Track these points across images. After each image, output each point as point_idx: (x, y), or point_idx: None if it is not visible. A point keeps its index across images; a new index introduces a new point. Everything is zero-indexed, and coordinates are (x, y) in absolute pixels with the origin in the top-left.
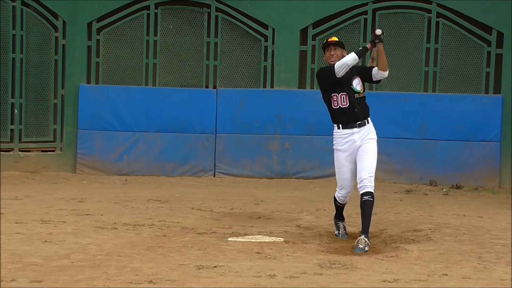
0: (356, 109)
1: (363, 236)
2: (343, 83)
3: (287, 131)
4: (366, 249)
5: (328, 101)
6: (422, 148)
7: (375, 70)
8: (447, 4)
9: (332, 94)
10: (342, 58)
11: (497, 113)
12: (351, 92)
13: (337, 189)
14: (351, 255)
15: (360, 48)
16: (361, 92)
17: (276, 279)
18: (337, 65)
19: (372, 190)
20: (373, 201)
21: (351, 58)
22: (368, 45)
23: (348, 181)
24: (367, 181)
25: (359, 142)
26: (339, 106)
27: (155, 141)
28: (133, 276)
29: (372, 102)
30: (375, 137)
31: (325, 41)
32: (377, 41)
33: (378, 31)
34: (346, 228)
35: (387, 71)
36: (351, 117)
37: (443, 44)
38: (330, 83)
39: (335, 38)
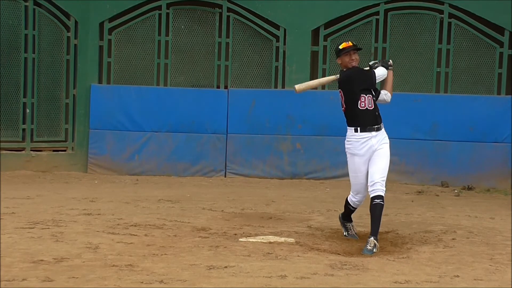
0: (377, 113)
1: (372, 237)
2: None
3: (298, 132)
4: (374, 250)
5: (353, 101)
6: (433, 149)
7: (384, 91)
8: (459, 5)
9: (361, 95)
10: (358, 62)
11: (509, 114)
12: (373, 96)
13: (351, 193)
14: (362, 256)
15: (382, 64)
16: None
17: (287, 279)
18: (378, 74)
19: (383, 194)
20: (383, 205)
21: (385, 72)
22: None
23: (364, 185)
24: (379, 185)
25: (376, 146)
26: (366, 108)
27: (166, 141)
28: (144, 276)
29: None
30: (388, 141)
31: (341, 46)
32: (390, 68)
33: (391, 62)
34: (355, 228)
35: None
36: (373, 120)
37: (455, 45)
38: (363, 86)
39: (351, 43)
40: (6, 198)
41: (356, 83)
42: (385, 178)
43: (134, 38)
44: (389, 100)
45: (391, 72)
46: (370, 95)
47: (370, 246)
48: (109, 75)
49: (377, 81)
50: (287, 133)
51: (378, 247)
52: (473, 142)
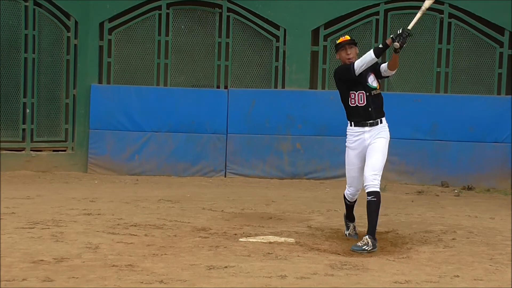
0: (370, 108)
1: (367, 236)
2: (361, 81)
3: (298, 132)
4: (365, 248)
5: (345, 98)
6: (433, 149)
7: (383, 66)
8: (459, 5)
9: (350, 92)
10: (356, 56)
11: (509, 114)
12: (367, 90)
13: (346, 186)
14: (362, 256)
15: (380, 45)
16: (378, 88)
17: (287, 279)
18: (357, 63)
19: (376, 189)
20: (377, 201)
21: (370, 57)
22: (388, 41)
23: (356, 179)
24: (369, 180)
25: (369, 141)
26: (356, 104)
27: (166, 141)
28: (144, 276)
29: (384, 103)
30: (387, 136)
31: (338, 41)
32: (396, 42)
33: (397, 45)
34: (356, 229)
35: (395, 71)
36: (365, 116)
37: (455, 45)
38: (349, 81)
39: (347, 37)
40: (6, 198)
41: (340, 82)
42: (377, 172)
43: (134, 38)
44: (392, 73)
45: (395, 55)
46: (363, 91)
47: (360, 243)
48: (109, 75)
49: (360, 70)
50: (287, 133)
51: (373, 244)
52: (473, 142)
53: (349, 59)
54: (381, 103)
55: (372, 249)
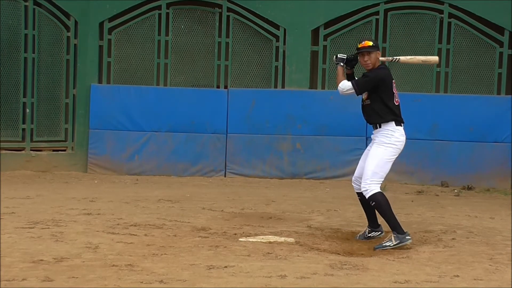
0: (372, 109)
1: (391, 232)
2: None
3: (298, 132)
4: (387, 244)
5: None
6: (433, 149)
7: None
8: (459, 5)
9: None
10: (376, 61)
11: (509, 114)
12: (370, 91)
13: None
14: (362, 256)
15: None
16: (365, 99)
17: (287, 279)
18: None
19: (369, 194)
20: (376, 203)
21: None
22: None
23: (358, 165)
24: (365, 185)
25: (372, 144)
26: (365, 103)
27: (166, 141)
28: (144, 276)
29: None
30: (383, 144)
31: (359, 45)
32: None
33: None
34: (368, 232)
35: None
36: (368, 117)
37: (455, 44)
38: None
39: (368, 43)
40: (6, 198)
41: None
42: (368, 177)
43: (134, 38)
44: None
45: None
46: (367, 92)
47: (384, 242)
48: (109, 75)
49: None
50: (287, 133)
51: (399, 239)
52: (473, 142)
53: (366, 65)
54: (376, 111)
55: (397, 243)
